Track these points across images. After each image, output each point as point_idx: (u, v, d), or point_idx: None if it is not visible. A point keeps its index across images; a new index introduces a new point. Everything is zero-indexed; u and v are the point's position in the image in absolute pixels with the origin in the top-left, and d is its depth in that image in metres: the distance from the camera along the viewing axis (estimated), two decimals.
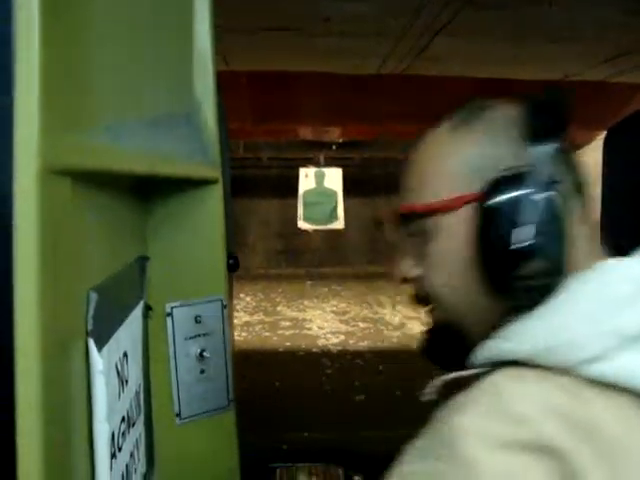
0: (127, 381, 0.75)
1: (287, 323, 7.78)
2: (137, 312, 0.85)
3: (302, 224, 9.26)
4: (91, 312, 0.55)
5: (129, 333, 0.78)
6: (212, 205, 0.99)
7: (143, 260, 0.88)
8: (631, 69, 4.11)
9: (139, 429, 0.84)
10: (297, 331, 7.37)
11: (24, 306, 0.43)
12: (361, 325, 7.67)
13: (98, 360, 0.56)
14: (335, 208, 9.32)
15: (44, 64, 0.43)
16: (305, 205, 9.22)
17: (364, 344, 6.74)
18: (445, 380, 0.66)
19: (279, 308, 8.73)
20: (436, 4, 2.71)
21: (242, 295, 9.39)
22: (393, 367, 5.89)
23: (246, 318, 7.97)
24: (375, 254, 12.24)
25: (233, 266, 1.42)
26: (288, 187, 10.07)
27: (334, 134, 8.50)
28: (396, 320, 7.89)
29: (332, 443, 4.11)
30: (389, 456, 1.81)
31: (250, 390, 5.13)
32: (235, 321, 7.73)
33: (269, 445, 3.95)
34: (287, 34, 3.41)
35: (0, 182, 0.43)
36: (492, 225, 0.64)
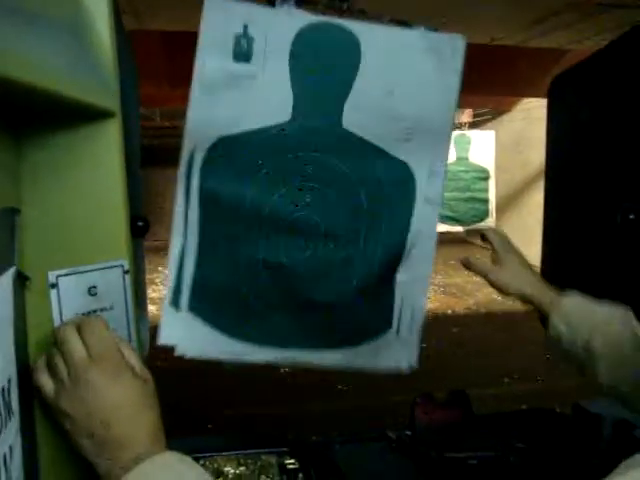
0: None
1: None
2: (3, 283, 0.64)
3: None
4: None
5: None
6: (108, 145, 0.78)
7: (9, 213, 0.66)
8: (556, 29, 4.05)
9: (9, 439, 0.63)
10: None
11: None
12: None
13: None
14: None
15: None
16: None
17: None
18: None
19: None
20: None
21: (160, 268, 9.03)
22: None
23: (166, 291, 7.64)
24: None
25: (143, 228, 1.21)
26: None
27: None
28: None
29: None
30: (325, 438, 1.61)
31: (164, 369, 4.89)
32: (155, 295, 7.40)
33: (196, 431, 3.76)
34: None
35: None
36: None
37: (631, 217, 1.41)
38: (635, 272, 1.47)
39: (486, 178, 6.20)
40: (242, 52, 1.17)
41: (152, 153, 11.91)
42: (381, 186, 1.44)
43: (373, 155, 1.40)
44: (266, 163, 1.30)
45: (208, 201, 1.30)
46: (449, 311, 6.51)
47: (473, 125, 6.44)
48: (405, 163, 1.44)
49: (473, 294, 6.94)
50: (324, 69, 1.28)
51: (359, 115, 1.33)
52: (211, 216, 1.31)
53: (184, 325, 1.33)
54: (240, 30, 1.15)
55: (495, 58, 5.12)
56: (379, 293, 1.57)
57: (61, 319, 0.76)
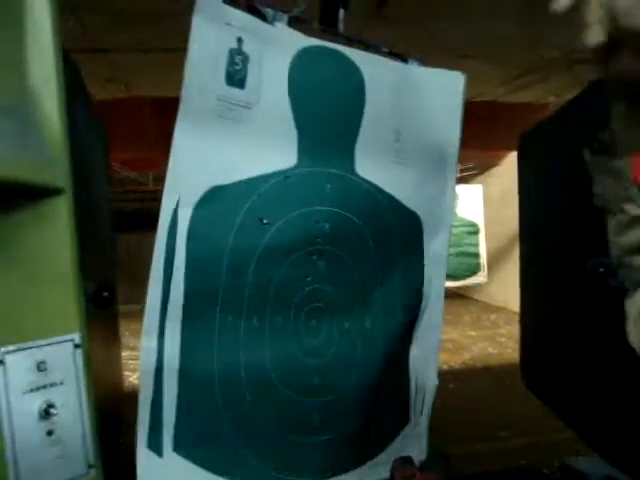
0: None
1: None
2: None
3: None
4: None
5: None
6: (56, 221, 0.79)
7: None
8: (535, 83, 4.15)
9: None
10: None
11: None
12: None
13: None
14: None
15: None
16: None
17: None
18: None
19: None
20: None
21: (127, 333, 8.91)
22: None
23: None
24: None
25: (108, 300, 1.21)
26: None
27: None
28: None
29: None
30: None
31: None
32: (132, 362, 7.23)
33: None
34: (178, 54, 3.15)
35: None
36: None
37: (601, 270, 1.41)
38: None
39: (476, 232, 6.24)
40: (236, 73, 0.98)
41: (145, 217, 12.00)
42: (393, 241, 1.25)
43: (388, 206, 1.21)
44: (272, 222, 1.06)
45: (199, 280, 1.02)
46: (444, 366, 6.44)
47: (460, 180, 6.52)
48: (415, 213, 1.28)
49: (469, 348, 6.87)
50: (329, 101, 1.07)
51: (371, 159, 1.12)
52: (203, 303, 1.02)
53: (172, 475, 0.98)
54: (234, 44, 0.96)
55: (478, 113, 5.21)
56: (398, 376, 1.34)
57: (7, 397, 0.75)
